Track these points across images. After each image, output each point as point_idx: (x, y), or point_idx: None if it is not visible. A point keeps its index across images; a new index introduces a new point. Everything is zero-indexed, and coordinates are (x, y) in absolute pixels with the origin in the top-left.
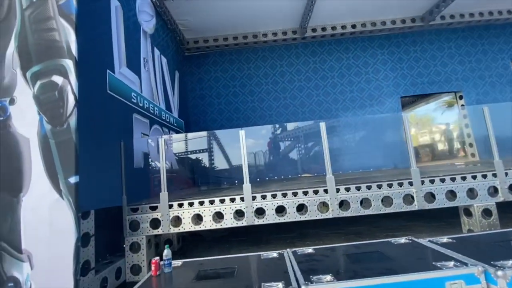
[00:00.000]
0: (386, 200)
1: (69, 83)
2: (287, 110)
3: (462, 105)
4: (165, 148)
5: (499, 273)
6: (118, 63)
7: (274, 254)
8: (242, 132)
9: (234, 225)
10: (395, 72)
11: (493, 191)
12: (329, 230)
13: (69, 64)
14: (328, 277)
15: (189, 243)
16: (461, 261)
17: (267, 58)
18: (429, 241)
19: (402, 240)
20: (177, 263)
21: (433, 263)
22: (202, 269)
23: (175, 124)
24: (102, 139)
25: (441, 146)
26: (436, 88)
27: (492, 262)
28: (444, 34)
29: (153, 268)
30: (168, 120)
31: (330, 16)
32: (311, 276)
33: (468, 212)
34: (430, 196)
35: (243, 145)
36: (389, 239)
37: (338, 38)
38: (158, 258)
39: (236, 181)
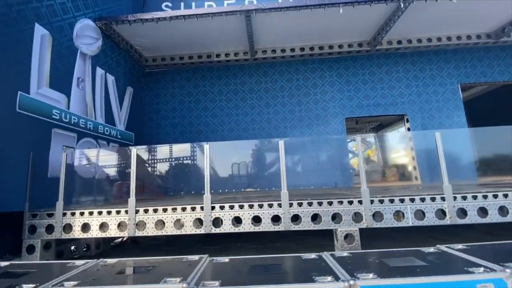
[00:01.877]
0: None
1: None
2: (239, 126)
3: (408, 128)
4: (95, 160)
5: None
6: (37, 84)
7: (81, 262)
8: (134, 151)
9: (117, 235)
10: (342, 93)
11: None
12: (253, 244)
13: None
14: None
15: (117, 250)
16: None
17: (221, 77)
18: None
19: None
20: None
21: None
22: None
23: (119, 137)
24: (5, 152)
25: (401, 167)
26: (381, 111)
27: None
28: (393, 58)
29: None
30: (108, 133)
31: (276, 39)
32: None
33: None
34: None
35: (133, 163)
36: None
37: (289, 60)
38: None
39: (182, 192)
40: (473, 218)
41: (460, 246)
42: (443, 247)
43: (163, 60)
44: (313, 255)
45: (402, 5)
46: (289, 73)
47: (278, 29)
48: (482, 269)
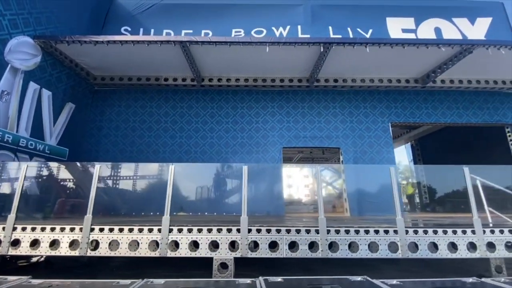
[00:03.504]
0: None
1: None
2: (181, 148)
3: (342, 161)
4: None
5: None
6: None
7: None
8: (24, 166)
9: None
10: (282, 124)
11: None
12: (170, 272)
13: None
14: None
15: (20, 270)
16: None
17: (169, 100)
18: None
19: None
20: None
21: None
22: None
23: (48, 151)
24: None
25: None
26: (317, 143)
27: None
28: (331, 94)
29: None
30: (32, 147)
31: (221, 69)
32: None
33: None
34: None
35: (21, 179)
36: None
37: (235, 88)
38: None
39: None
40: (344, 252)
41: (279, 279)
42: (260, 279)
43: (111, 80)
44: (135, 281)
45: (322, 49)
46: (234, 101)
47: (220, 60)
48: None
